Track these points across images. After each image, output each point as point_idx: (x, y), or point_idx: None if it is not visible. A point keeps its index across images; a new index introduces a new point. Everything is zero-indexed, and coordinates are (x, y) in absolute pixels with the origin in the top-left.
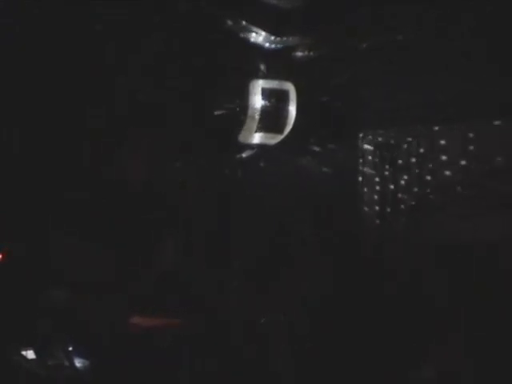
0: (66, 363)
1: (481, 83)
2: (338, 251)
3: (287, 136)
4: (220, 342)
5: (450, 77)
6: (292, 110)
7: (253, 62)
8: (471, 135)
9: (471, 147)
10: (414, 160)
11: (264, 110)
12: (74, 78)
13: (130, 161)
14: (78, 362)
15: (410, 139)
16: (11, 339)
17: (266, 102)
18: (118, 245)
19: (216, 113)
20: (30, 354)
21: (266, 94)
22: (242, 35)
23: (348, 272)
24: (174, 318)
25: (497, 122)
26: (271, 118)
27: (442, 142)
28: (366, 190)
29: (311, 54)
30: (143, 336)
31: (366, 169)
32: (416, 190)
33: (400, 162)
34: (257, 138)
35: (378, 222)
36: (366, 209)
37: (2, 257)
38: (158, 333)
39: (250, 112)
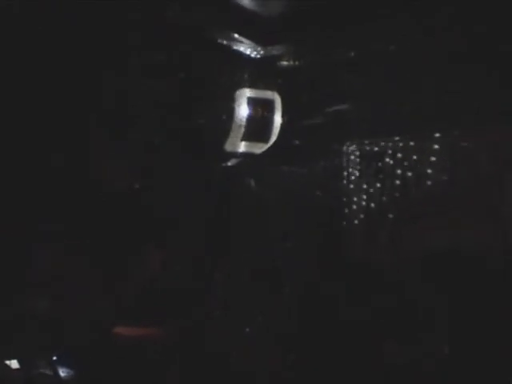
0: (50, 373)
1: (465, 93)
2: (324, 262)
3: (272, 146)
4: (206, 349)
5: (435, 87)
6: (277, 119)
7: (238, 71)
8: (457, 145)
9: (456, 156)
10: (399, 170)
11: (249, 119)
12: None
13: (114, 170)
14: (62, 372)
15: (395, 149)
16: None
17: (252, 111)
18: (102, 253)
19: (201, 122)
20: (13, 364)
21: (252, 103)
22: (227, 44)
23: (334, 281)
24: (159, 328)
25: (481, 132)
26: (257, 127)
27: (428, 152)
28: (351, 200)
29: (296, 63)
30: (129, 345)
31: (351, 178)
32: (401, 199)
33: (385, 172)
34: (242, 146)
35: (363, 232)
36: (351, 218)
37: None
38: (144, 342)
39: (235, 121)
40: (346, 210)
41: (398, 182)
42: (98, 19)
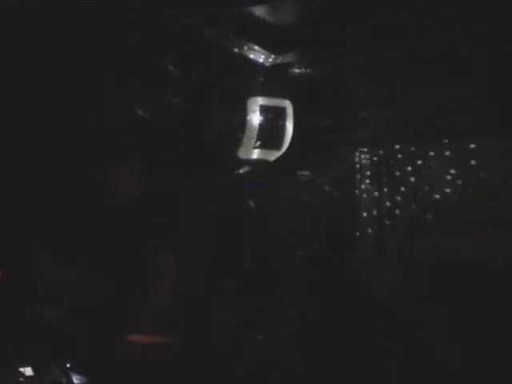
0: (64, 380)
1: (477, 100)
2: (334, 268)
3: (284, 153)
4: (213, 358)
5: (447, 93)
6: (289, 126)
7: (251, 79)
8: (467, 152)
9: (467, 164)
10: (411, 178)
11: (262, 127)
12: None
13: (125, 179)
14: (76, 379)
15: (407, 156)
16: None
17: (264, 119)
18: (112, 263)
19: (214, 130)
20: (27, 371)
21: (264, 110)
22: (239, 52)
23: (344, 287)
24: (169, 336)
25: (494, 139)
26: (269, 135)
27: (438, 159)
28: (363, 206)
29: (308, 70)
30: (139, 353)
31: (363, 185)
32: (413, 206)
33: (396, 178)
34: (255, 154)
35: (374, 238)
36: (363, 225)
37: (1, 273)
38: (154, 350)
39: (248, 129)
40: (357, 217)
41: (408, 189)
42: (112, 29)
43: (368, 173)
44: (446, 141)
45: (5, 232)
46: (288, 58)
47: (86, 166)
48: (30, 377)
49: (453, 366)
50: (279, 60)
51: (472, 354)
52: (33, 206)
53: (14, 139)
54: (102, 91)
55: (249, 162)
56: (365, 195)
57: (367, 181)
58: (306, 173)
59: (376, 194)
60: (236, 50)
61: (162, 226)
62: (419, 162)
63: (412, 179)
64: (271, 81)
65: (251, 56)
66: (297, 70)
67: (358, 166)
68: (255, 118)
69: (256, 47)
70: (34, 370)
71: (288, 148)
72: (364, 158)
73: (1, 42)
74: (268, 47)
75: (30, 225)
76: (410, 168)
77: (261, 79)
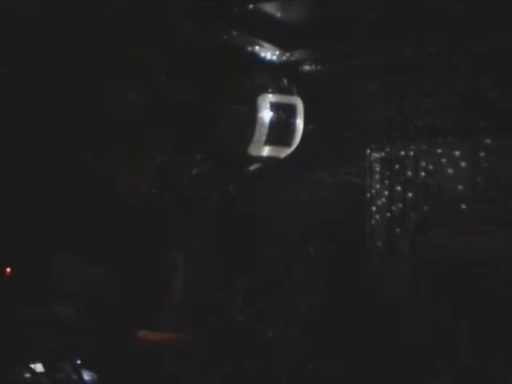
0: (74, 376)
1: (487, 99)
2: (346, 265)
3: (294, 150)
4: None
5: (457, 92)
6: (299, 123)
7: (261, 76)
8: (479, 151)
9: (479, 163)
10: (422, 175)
11: (272, 124)
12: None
13: (133, 176)
14: (86, 376)
15: (417, 155)
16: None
17: (275, 116)
18: (123, 261)
19: (225, 127)
20: (38, 368)
21: (274, 108)
22: (250, 50)
23: (355, 286)
24: (179, 333)
25: (505, 138)
26: (279, 132)
27: (449, 157)
28: (373, 204)
29: (319, 68)
30: (149, 350)
31: (373, 184)
32: (422, 206)
33: (407, 177)
34: (266, 151)
35: (385, 238)
36: (373, 223)
37: (10, 271)
38: (164, 347)
39: (258, 126)
40: (368, 215)
41: (419, 187)
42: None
43: (379, 171)
44: (458, 139)
45: (16, 229)
46: (299, 55)
47: (100, 164)
48: (41, 373)
49: (464, 361)
50: (290, 57)
51: (482, 351)
52: (50, 204)
53: (24, 139)
54: (113, 87)
55: (259, 158)
56: (375, 194)
57: (378, 179)
58: (317, 171)
59: (387, 191)
60: (247, 47)
61: (173, 223)
62: (429, 161)
63: (423, 178)
64: (282, 78)
65: (262, 53)
66: (307, 68)
67: (368, 164)
68: (266, 115)
69: (266, 44)
70: (44, 366)
71: (298, 146)
72: (375, 157)
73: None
74: (279, 44)
75: (45, 222)
76: (421, 167)
77: (271, 77)
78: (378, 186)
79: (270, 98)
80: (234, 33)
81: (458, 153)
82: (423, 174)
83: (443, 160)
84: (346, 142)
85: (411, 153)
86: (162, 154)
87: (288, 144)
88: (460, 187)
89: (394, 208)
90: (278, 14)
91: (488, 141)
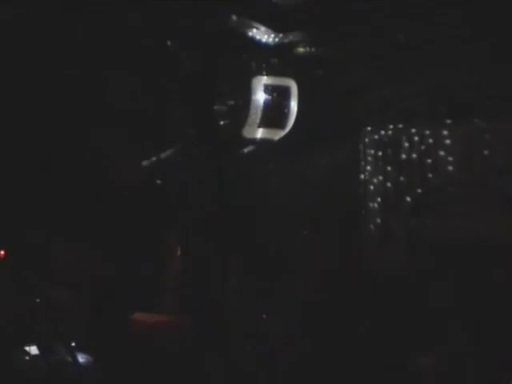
0: (69, 359)
1: (484, 82)
2: (339, 248)
3: (288, 133)
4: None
5: (452, 75)
6: (294, 105)
7: (255, 58)
8: (473, 133)
9: (474, 145)
10: (415, 157)
11: (266, 106)
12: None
13: (128, 161)
14: (81, 358)
15: (411, 137)
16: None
17: (269, 98)
18: (119, 244)
19: (219, 109)
20: (33, 350)
21: (269, 90)
22: (244, 32)
23: (349, 267)
24: (175, 317)
25: (499, 121)
26: (273, 114)
27: (445, 139)
28: (367, 186)
29: (313, 50)
30: (145, 332)
31: (367, 166)
32: (417, 189)
33: (401, 159)
34: (260, 133)
35: (379, 218)
36: (367, 205)
37: (4, 254)
38: (160, 329)
39: (252, 108)
40: (363, 196)
41: (413, 169)
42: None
43: (373, 153)
44: (451, 121)
45: (12, 214)
46: (293, 37)
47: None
48: (36, 356)
49: (460, 340)
50: (284, 39)
51: (477, 331)
52: (44, 191)
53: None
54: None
55: (253, 140)
56: (369, 177)
57: (372, 162)
58: (310, 154)
59: (381, 172)
60: (241, 28)
61: (170, 210)
62: (423, 144)
63: (416, 161)
64: (276, 60)
65: (256, 35)
66: (302, 50)
67: (362, 146)
68: (259, 97)
69: (261, 26)
70: (39, 349)
71: (292, 128)
72: (368, 140)
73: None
74: (273, 26)
75: (40, 209)
76: (414, 149)
77: (265, 58)
78: (372, 169)
79: (265, 80)
80: (229, 15)
81: (452, 135)
82: (417, 156)
83: (437, 142)
84: (341, 124)
85: (406, 135)
86: (156, 136)
87: (282, 126)
88: (454, 169)
89: (388, 190)
90: None
91: (481, 123)
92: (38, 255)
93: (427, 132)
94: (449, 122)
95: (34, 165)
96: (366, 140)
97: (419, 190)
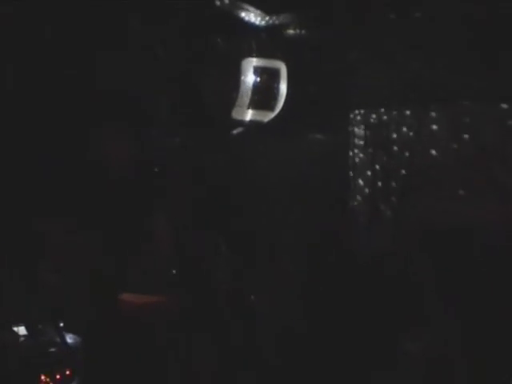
0: (58, 340)
1: (472, 67)
2: (327, 235)
3: (277, 116)
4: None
5: (441, 58)
6: (283, 87)
7: (245, 40)
8: (462, 117)
9: (462, 129)
10: (403, 139)
11: (256, 88)
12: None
13: (117, 144)
14: (70, 339)
15: (400, 121)
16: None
17: (258, 80)
18: (107, 223)
19: (208, 91)
20: (21, 331)
21: (258, 71)
22: (234, 13)
23: (338, 255)
24: (163, 296)
25: (488, 103)
26: (263, 96)
27: (433, 124)
28: (355, 171)
29: (302, 32)
30: (134, 313)
31: (355, 150)
32: (405, 171)
33: (390, 141)
34: (249, 115)
35: (367, 203)
36: (355, 186)
37: None
38: (149, 310)
39: (242, 89)
40: (350, 180)
41: (401, 151)
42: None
43: (362, 135)
44: (439, 104)
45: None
46: (283, 19)
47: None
48: (24, 336)
49: (446, 327)
50: (274, 21)
51: (465, 316)
52: (33, 172)
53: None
54: (97, 55)
55: (242, 122)
56: (358, 159)
57: (360, 144)
58: (299, 136)
59: (369, 158)
60: (230, 10)
61: (157, 189)
62: (412, 126)
63: (405, 143)
64: (265, 42)
65: (245, 17)
66: (291, 32)
67: (351, 129)
68: (249, 79)
69: (250, 8)
70: (27, 329)
71: (281, 110)
72: (357, 122)
73: None
74: (263, 8)
75: (30, 189)
76: (403, 132)
77: (255, 40)
78: (360, 151)
79: (254, 61)
80: None
81: (441, 118)
82: (406, 138)
83: (425, 125)
84: (330, 106)
85: (395, 117)
86: (145, 120)
87: (271, 108)
88: (442, 152)
89: (376, 172)
90: None
91: (470, 106)
92: (26, 235)
93: (415, 114)
94: (438, 104)
95: (21, 152)
96: (355, 122)
97: (406, 172)
